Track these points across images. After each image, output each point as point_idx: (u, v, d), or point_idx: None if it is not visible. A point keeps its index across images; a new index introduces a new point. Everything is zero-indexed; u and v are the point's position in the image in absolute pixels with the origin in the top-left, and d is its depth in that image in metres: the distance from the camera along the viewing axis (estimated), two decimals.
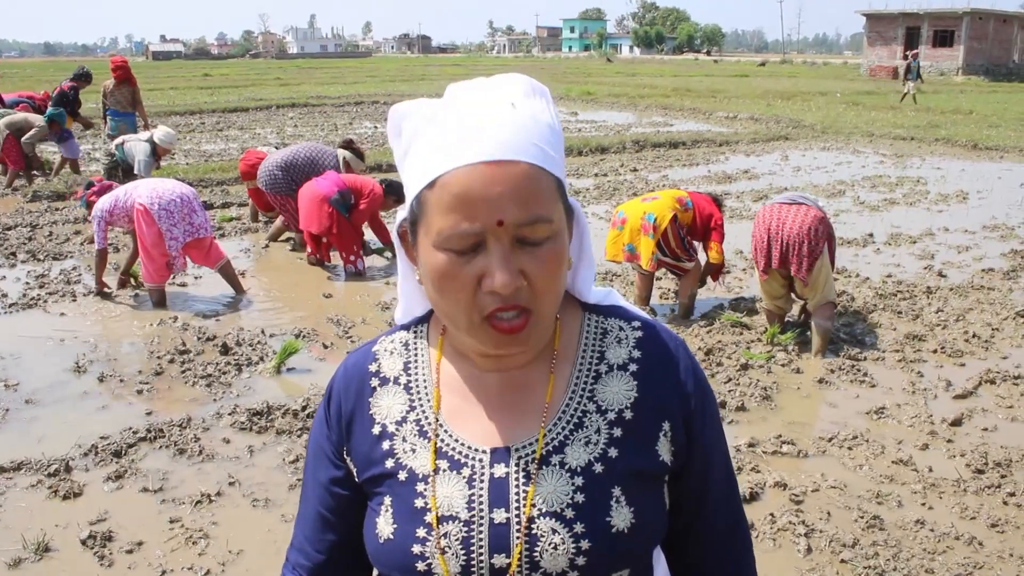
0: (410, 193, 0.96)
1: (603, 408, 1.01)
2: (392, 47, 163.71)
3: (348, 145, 8.08)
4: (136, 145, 8.71)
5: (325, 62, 73.44)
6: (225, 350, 5.19)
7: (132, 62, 13.47)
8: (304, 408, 4.35)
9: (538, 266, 0.92)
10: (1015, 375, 4.86)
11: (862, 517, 3.39)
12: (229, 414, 4.31)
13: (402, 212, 1.00)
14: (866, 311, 5.97)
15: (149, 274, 6.07)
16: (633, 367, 1.04)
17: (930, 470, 3.80)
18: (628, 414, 1.01)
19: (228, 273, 6.32)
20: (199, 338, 5.43)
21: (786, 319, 5.57)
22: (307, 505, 1.11)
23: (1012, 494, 3.59)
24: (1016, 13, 45.85)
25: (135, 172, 8.46)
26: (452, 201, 0.90)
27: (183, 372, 4.91)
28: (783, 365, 5.02)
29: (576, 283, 1.08)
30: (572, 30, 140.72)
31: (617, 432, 1.00)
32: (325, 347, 5.37)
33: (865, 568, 3.07)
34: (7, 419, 4.32)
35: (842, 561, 3.12)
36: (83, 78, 11.78)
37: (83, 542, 3.20)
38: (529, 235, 0.91)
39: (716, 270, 6.01)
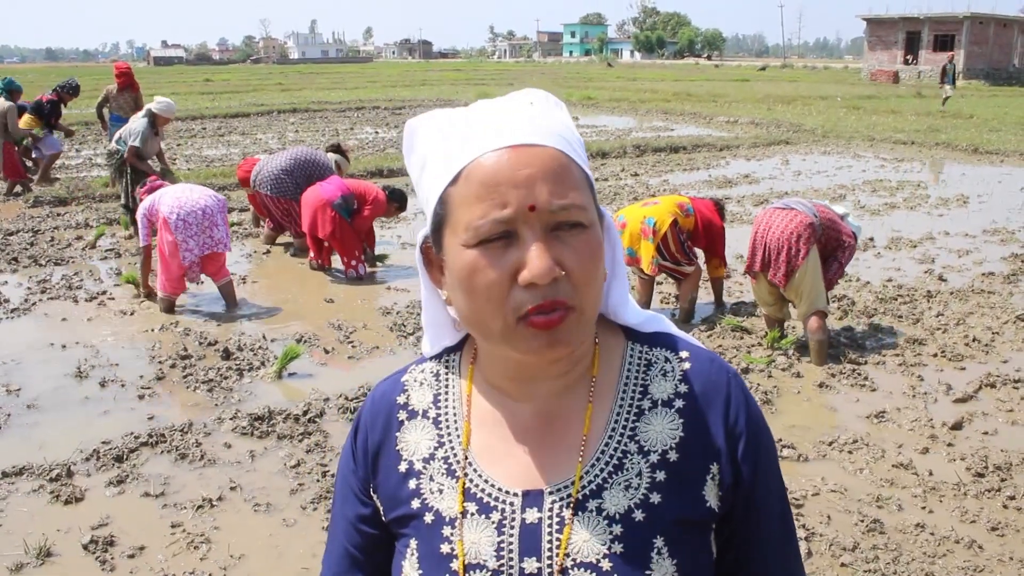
0: (432, 198, 0.90)
1: (645, 449, 0.93)
2: (393, 52, 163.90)
3: (337, 149, 8.26)
4: (132, 122, 8.26)
5: (326, 67, 73.57)
6: (226, 355, 5.20)
7: (133, 68, 13.40)
8: (305, 413, 4.36)
9: (576, 256, 0.85)
10: (1015, 379, 4.86)
11: (862, 521, 3.39)
12: (230, 419, 4.32)
13: (423, 228, 0.94)
14: (866, 315, 5.98)
15: (163, 283, 6.03)
16: (679, 403, 0.95)
17: (930, 474, 3.81)
18: (673, 456, 0.93)
19: (228, 291, 6.22)
20: (200, 343, 5.44)
21: (786, 324, 5.58)
22: (335, 541, 1.05)
23: (1012, 497, 3.59)
24: (1016, 17, 45.94)
25: (130, 143, 7.97)
26: (479, 190, 0.84)
27: (184, 377, 4.92)
28: (783, 369, 5.03)
29: (609, 302, 0.99)
30: (573, 35, 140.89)
31: (660, 476, 0.92)
32: (326, 352, 5.39)
33: (865, 572, 3.08)
34: (9, 424, 4.33)
35: (842, 565, 3.12)
36: (69, 91, 11.51)
37: (85, 547, 3.21)
38: (564, 220, 0.84)
39: (721, 281, 6.02)
